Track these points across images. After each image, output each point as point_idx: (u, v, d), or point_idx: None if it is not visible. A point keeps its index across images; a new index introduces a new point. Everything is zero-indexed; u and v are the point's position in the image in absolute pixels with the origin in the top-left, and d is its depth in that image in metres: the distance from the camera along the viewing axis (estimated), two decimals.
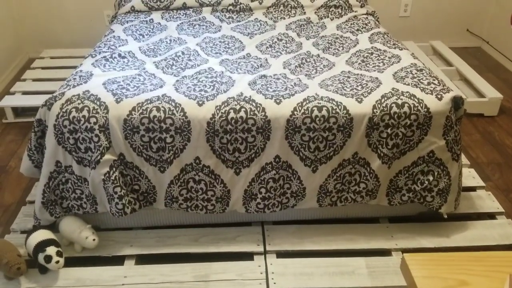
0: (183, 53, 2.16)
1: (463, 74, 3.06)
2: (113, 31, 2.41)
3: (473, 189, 2.14)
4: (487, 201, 2.06)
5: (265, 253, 1.83)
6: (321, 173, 1.78)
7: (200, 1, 2.73)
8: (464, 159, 2.35)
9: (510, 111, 2.87)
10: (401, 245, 1.85)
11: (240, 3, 2.73)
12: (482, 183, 2.17)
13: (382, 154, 1.75)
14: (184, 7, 2.73)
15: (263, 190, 1.79)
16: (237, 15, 2.69)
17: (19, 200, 2.15)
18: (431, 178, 1.79)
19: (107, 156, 1.69)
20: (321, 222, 1.97)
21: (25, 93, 2.88)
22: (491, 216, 2.01)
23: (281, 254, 1.84)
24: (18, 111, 2.81)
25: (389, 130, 1.72)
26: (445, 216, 1.85)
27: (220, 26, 2.54)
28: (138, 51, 2.18)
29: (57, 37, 3.52)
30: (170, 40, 2.32)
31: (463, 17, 3.70)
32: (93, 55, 2.09)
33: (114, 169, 1.71)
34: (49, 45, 3.53)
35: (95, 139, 1.68)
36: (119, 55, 2.10)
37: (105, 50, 2.13)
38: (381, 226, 1.95)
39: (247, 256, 1.82)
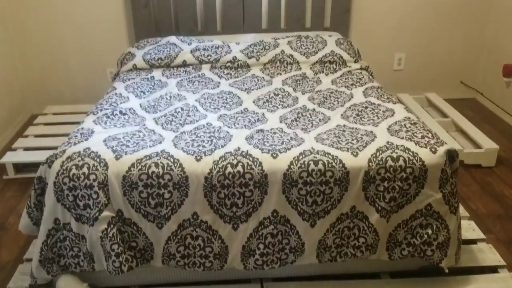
0: (182, 109, 2.22)
1: (459, 125, 3.11)
2: (115, 89, 2.48)
3: (473, 241, 2.12)
4: (489, 254, 2.03)
5: None
6: (319, 227, 1.77)
7: (199, 59, 2.83)
8: (463, 211, 2.34)
9: (507, 161, 2.89)
10: None
11: (238, 60, 2.82)
12: (482, 236, 2.15)
13: (380, 208, 1.75)
14: (184, 64, 2.81)
15: (261, 246, 1.77)
16: (235, 72, 2.77)
17: (16, 258, 2.13)
18: (430, 231, 1.78)
19: (105, 213, 1.70)
20: (322, 279, 1.94)
21: (26, 149, 2.92)
22: (493, 269, 1.98)
23: None
24: (19, 167, 2.84)
25: (385, 184, 1.73)
26: (447, 271, 1.82)
27: (219, 82, 2.61)
28: (139, 107, 2.24)
29: (60, 94, 3.61)
30: (170, 97, 2.38)
31: (456, 70, 3.81)
32: (95, 112, 2.14)
33: (112, 226, 1.71)
34: (52, 101, 3.61)
35: (94, 196, 1.69)
36: (120, 112, 2.15)
37: (107, 107, 2.19)
38: (382, 282, 1.91)
39: None
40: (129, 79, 2.62)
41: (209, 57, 2.83)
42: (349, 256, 1.82)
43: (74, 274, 1.85)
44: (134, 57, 2.86)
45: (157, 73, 2.72)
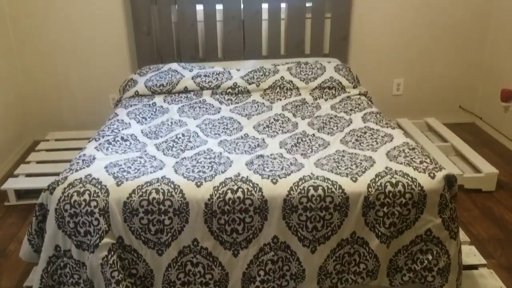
0: (183, 135, 2.24)
1: (459, 149, 3.12)
2: (117, 115, 2.51)
3: (475, 267, 2.11)
4: (490, 280, 2.02)
5: None
6: (320, 253, 1.77)
7: (200, 85, 2.87)
8: (464, 236, 2.34)
9: (507, 186, 2.89)
10: None
11: (239, 86, 2.86)
12: (483, 261, 2.14)
13: (380, 233, 1.75)
14: (186, 90, 2.85)
15: (262, 273, 1.77)
16: (235, 97, 2.80)
17: (16, 285, 2.12)
18: (430, 257, 1.78)
19: (106, 240, 1.70)
20: None
21: (28, 175, 2.94)
22: None
23: None
24: (21, 193, 2.85)
25: (385, 209, 1.73)
26: None
27: (220, 108, 2.65)
28: (140, 133, 2.26)
29: (62, 120, 3.65)
30: (171, 123, 2.41)
31: (455, 94, 3.84)
32: (97, 139, 2.16)
33: (112, 252, 1.71)
34: (55, 127, 3.64)
35: (95, 222, 1.70)
36: (122, 138, 2.18)
37: (109, 134, 2.21)
38: None
39: None
40: (131, 106, 2.66)
41: (210, 83, 2.87)
42: (350, 282, 1.81)
43: None
44: (136, 83, 2.90)
45: (158, 99, 2.75)
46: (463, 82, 3.79)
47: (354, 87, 2.88)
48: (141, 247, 1.75)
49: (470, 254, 2.18)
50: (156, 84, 2.86)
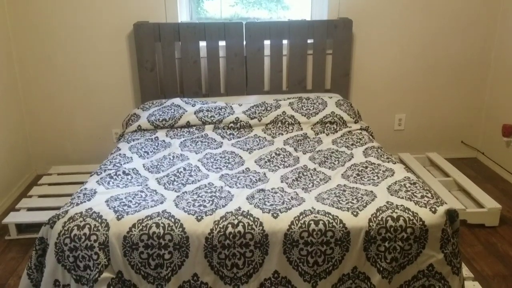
0: (184, 169, 2.25)
1: (461, 184, 3.11)
2: (119, 149, 2.53)
3: None
4: None
5: None
6: None
7: (203, 120, 2.90)
8: (468, 272, 2.30)
9: (511, 221, 2.87)
10: None
11: (241, 121, 2.89)
12: None
13: (381, 269, 1.73)
14: (188, 125, 2.89)
15: None
16: (237, 132, 2.83)
17: None
18: None
19: (105, 274, 1.69)
20: None
21: (30, 209, 2.93)
22: None
23: None
24: (22, 227, 2.84)
25: (386, 244, 1.72)
26: None
27: (221, 142, 2.67)
28: (142, 168, 2.28)
29: (65, 155, 3.67)
30: (173, 157, 2.43)
31: (456, 130, 3.86)
32: (99, 173, 2.18)
33: (111, 287, 1.69)
34: (57, 162, 3.66)
35: (94, 256, 1.70)
36: (124, 172, 2.19)
37: (110, 168, 2.23)
38: None
39: None
40: (133, 140, 2.68)
41: (212, 118, 2.91)
42: None
43: None
44: (139, 118, 2.94)
45: (161, 134, 2.78)
46: (464, 117, 3.82)
47: (355, 122, 2.91)
48: (140, 282, 1.73)
49: None
50: (158, 119, 2.89)
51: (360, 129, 2.83)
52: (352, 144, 2.56)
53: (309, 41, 3.43)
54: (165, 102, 3.09)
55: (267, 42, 3.41)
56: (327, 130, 2.81)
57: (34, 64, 3.43)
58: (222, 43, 3.38)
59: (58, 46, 3.39)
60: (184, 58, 3.38)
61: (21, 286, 1.85)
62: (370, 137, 2.72)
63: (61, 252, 1.72)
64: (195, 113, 2.94)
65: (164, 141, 2.68)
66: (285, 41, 3.43)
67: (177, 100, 3.09)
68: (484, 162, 3.78)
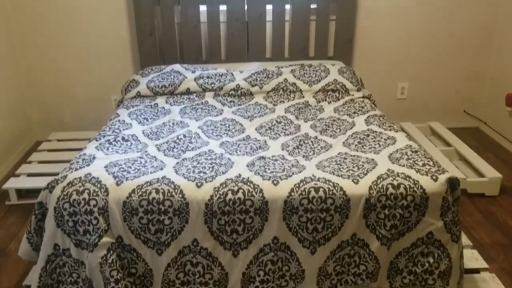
0: (184, 136, 2.24)
1: (462, 154, 3.10)
2: (119, 115, 2.51)
3: (476, 271, 2.09)
4: (492, 284, 2.00)
5: None
6: (320, 255, 1.76)
7: (203, 87, 2.86)
8: (466, 240, 2.32)
9: (511, 191, 2.86)
10: None
11: (241, 88, 2.86)
12: (485, 265, 2.12)
13: (380, 236, 1.74)
14: (188, 92, 2.85)
15: (261, 273, 1.76)
16: (238, 99, 2.80)
17: (16, 284, 2.12)
18: (431, 260, 1.76)
19: (105, 239, 1.70)
20: None
21: (30, 175, 2.94)
22: None
23: None
24: (22, 193, 2.85)
25: (386, 211, 1.72)
26: None
27: (222, 110, 2.64)
28: (142, 134, 2.26)
29: (64, 121, 3.65)
30: (173, 124, 2.40)
31: (459, 99, 3.82)
32: (97, 139, 2.16)
33: (111, 252, 1.70)
34: (57, 128, 3.64)
35: (94, 221, 1.70)
36: (123, 138, 2.17)
37: (109, 134, 2.21)
38: None
39: None
40: (132, 106, 2.66)
41: (212, 85, 2.87)
42: (349, 283, 1.80)
43: None
44: (138, 84, 2.90)
45: (160, 100, 2.75)
46: (468, 86, 3.78)
47: (357, 90, 2.87)
48: (140, 247, 1.74)
49: (472, 258, 2.16)
50: (158, 85, 2.86)
51: (363, 97, 2.79)
52: (354, 112, 2.53)
53: (312, 6, 3.35)
54: (164, 68, 3.04)
55: (269, 7, 3.33)
56: (329, 98, 2.78)
57: (32, 30, 3.37)
58: (223, 8, 3.31)
59: (56, 11, 3.32)
60: (184, 22, 3.31)
61: (21, 250, 1.86)
62: (372, 105, 2.69)
63: (60, 217, 1.72)
64: (195, 79, 2.90)
65: (163, 107, 2.65)
66: (287, 6, 3.35)
67: (176, 66, 3.04)
68: (486, 132, 3.76)
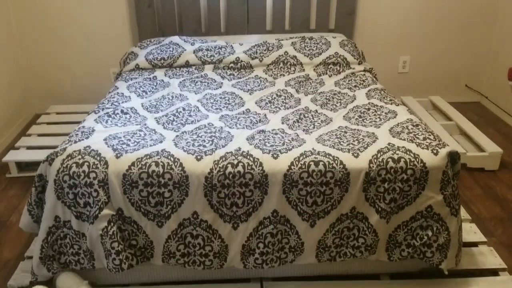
0: (184, 109, 2.22)
1: (463, 128, 3.09)
2: (117, 88, 2.48)
3: (474, 244, 2.11)
4: (489, 257, 2.02)
5: None
6: (319, 227, 1.77)
7: (202, 59, 2.83)
8: (465, 214, 2.33)
9: (511, 165, 2.87)
10: None
11: (241, 61, 2.82)
12: (484, 239, 2.14)
13: (380, 209, 1.74)
14: (187, 65, 2.82)
15: (261, 245, 1.77)
16: (238, 72, 2.77)
17: (18, 256, 2.14)
18: (430, 233, 1.77)
19: (106, 211, 1.70)
20: (321, 279, 1.93)
21: (29, 148, 2.93)
22: (493, 272, 1.96)
23: None
24: (22, 165, 2.85)
25: (386, 185, 1.72)
26: (446, 273, 1.81)
27: (221, 83, 2.62)
28: (141, 107, 2.24)
29: (63, 94, 3.63)
30: (172, 97, 2.39)
31: (461, 73, 3.79)
32: (96, 111, 2.14)
33: (112, 224, 1.71)
34: (56, 101, 3.63)
35: (94, 194, 1.70)
36: (122, 111, 2.16)
37: (108, 107, 2.19)
38: (382, 283, 1.91)
39: None
40: (131, 79, 2.63)
41: (212, 58, 2.84)
42: (348, 256, 1.81)
43: (75, 271, 1.86)
44: (137, 56, 2.87)
45: (159, 73, 2.72)
46: (470, 60, 3.74)
47: (359, 64, 2.84)
48: (140, 219, 1.75)
49: (471, 232, 2.18)
50: (157, 58, 2.82)
51: (364, 70, 2.77)
52: (355, 86, 2.50)
53: None
54: (163, 41, 3.00)
55: None
56: (330, 71, 2.75)
57: (29, 4, 3.31)
58: None
59: None
60: None
61: (22, 222, 1.87)
62: (374, 79, 2.66)
63: (60, 189, 1.72)
64: (194, 52, 2.86)
65: (162, 80, 2.63)
66: None
67: (175, 39, 3.00)
68: (488, 107, 3.74)
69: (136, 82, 2.57)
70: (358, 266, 1.92)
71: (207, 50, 2.88)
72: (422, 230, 1.78)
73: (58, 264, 1.83)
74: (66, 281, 1.80)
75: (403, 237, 1.80)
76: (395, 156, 1.73)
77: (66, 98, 3.64)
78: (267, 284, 1.91)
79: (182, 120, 2.11)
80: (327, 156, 1.74)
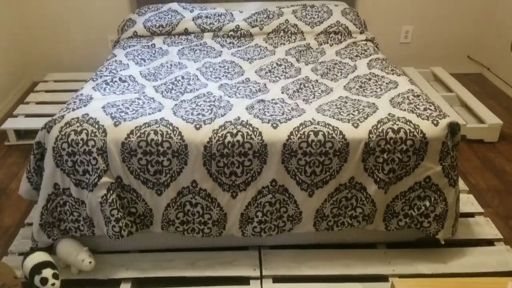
0: (182, 77, 2.20)
1: (464, 100, 3.07)
2: (115, 56, 2.45)
3: (471, 215, 2.13)
4: (486, 228, 2.04)
5: (261, 277, 1.82)
6: (317, 197, 1.78)
7: (201, 27, 2.78)
8: (463, 185, 2.34)
9: (510, 137, 2.86)
10: (399, 271, 1.83)
11: (241, 29, 2.78)
12: (480, 209, 2.15)
13: (378, 179, 1.75)
14: (186, 32, 2.78)
15: (259, 214, 1.78)
16: (237, 41, 2.73)
17: (18, 223, 2.16)
18: (427, 203, 1.78)
19: (105, 179, 1.71)
20: (319, 247, 1.96)
21: (28, 115, 2.92)
22: (489, 242, 1.99)
23: (277, 279, 1.82)
24: (21, 133, 2.85)
25: (385, 155, 1.72)
26: (442, 242, 1.84)
27: (221, 51, 2.58)
28: (139, 75, 2.22)
29: (61, 61, 3.59)
30: (171, 65, 2.36)
31: (464, 44, 3.74)
32: (94, 79, 2.12)
33: (111, 191, 1.72)
34: (53, 69, 3.59)
35: (93, 161, 1.70)
36: (120, 79, 2.14)
37: (106, 74, 2.17)
38: (379, 252, 1.93)
39: (244, 281, 1.81)
40: (129, 46, 2.59)
41: (211, 25, 2.79)
42: (346, 225, 1.83)
43: (75, 238, 1.87)
44: (135, 23, 2.82)
45: (158, 41, 2.68)
46: (473, 31, 3.68)
47: (361, 33, 2.80)
48: (140, 187, 1.76)
49: (468, 203, 2.19)
50: (155, 25, 2.78)
51: (366, 40, 2.72)
52: (356, 56, 2.47)
53: None
54: (161, 7, 2.94)
55: None
56: (331, 40, 2.71)
57: None
58: None
59: None
60: None
61: (21, 189, 1.88)
62: (375, 48, 2.63)
63: (59, 157, 1.72)
64: (193, 19, 2.81)
65: (161, 48, 2.59)
66: None
67: (174, 5, 2.94)
68: (489, 79, 3.71)
69: (134, 50, 2.53)
70: (355, 235, 1.94)
71: (206, 17, 2.83)
72: (420, 200, 1.79)
73: (58, 230, 1.84)
74: (66, 247, 1.82)
75: (400, 207, 1.81)
76: (395, 127, 1.72)
77: (64, 65, 3.60)
78: (265, 252, 1.93)
79: (181, 88, 2.09)
80: (327, 126, 1.74)
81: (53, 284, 1.67)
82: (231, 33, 2.77)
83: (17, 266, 1.83)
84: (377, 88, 2.07)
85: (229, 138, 1.70)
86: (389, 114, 1.79)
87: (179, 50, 2.55)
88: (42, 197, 1.78)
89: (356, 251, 1.93)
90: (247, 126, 1.73)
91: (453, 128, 1.77)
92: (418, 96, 1.94)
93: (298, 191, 1.76)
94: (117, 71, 2.21)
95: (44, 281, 1.67)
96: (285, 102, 1.97)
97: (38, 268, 1.70)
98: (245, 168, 1.73)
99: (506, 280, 1.07)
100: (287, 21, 2.82)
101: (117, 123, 1.74)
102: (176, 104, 1.93)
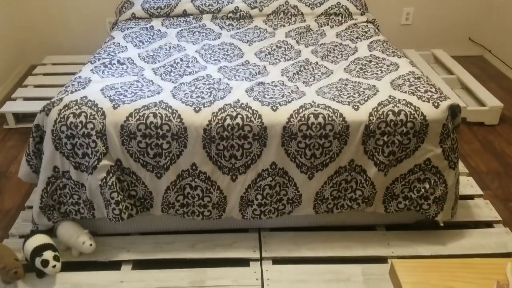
0: (181, 60, 2.18)
1: (464, 82, 3.05)
2: (113, 38, 2.43)
3: (471, 197, 2.13)
4: (485, 210, 2.05)
5: (261, 259, 1.83)
6: (317, 180, 1.78)
7: (200, 9, 2.75)
8: (463, 168, 2.34)
9: (510, 120, 2.86)
10: (398, 252, 1.84)
11: (240, 11, 2.75)
12: (480, 192, 2.16)
13: (378, 162, 1.75)
14: (185, 14, 2.75)
15: (259, 197, 1.79)
16: (237, 23, 2.70)
17: (18, 205, 2.16)
18: (427, 186, 1.78)
19: (104, 162, 1.70)
20: (318, 230, 1.96)
21: (26, 99, 2.91)
22: (488, 224, 2.00)
23: (277, 261, 1.83)
24: (19, 117, 2.84)
25: (385, 138, 1.71)
26: (442, 224, 1.84)
27: (220, 33, 2.56)
28: (137, 57, 2.20)
29: (59, 44, 3.56)
30: (170, 47, 2.34)
31: (465, 26, 3.70)
32: (93, 62, 2.10)
33: (111, 174, 1.72)
34: (51, 51, 3.56)
35: (92, 144, 1.69)
36: (118, 61, 2.12)
37: (105, 57, 2.15)
38: (378, 234, 1.94)
39: (243, 263, 1.82)
40: (127, 29, 2.57)
41: (210, 7, 2.76)
42: (345, 208, 1.84)
43: (75, 221, 1.88)
44: (133, 5, 2.78)
45: (156, 23, 2.65)
46: (474, 13, 3.64)
47: (361, 14, 2.76)
48: (139, 170, 1.75)
49: (467, 185, 2.20)
50: (153, 7, 2.74)
51: (366, 21, 2.70)
52: (357, 38, 2.45)
53: None
54: None
55: None
56: (331, 22, 2.68)
57: None
58: None
59: None
60: None
61: (21, 172, 1.88)
62: (376, 30, 2.60)
63: (58, 140, 1.71)
64: (192, 1, 2.78)
65: (159, 30, 2.56)
66: None
67: None
68: (491, 61, 3.68)
69: (133, 32, 2.50)
70: (354, 217, 1.95)
71: None
72: (420, 182, 1.79)
73: (58, 213, 1.85)
74: (67, 230, 1.82)
75: (400, 189, 1.82)
76: (396, 109, 1.71)
77: (61, 48, 3.57)
78: (265, 234, 1.94)
79: (180, 71, 2.08)
80: (327, 108, 1.73)
81: (54, 266, 1.68)
82: (230, 14, 2.74)
83: (18, 249, 1.84)
84: (377, 70, 2.05)
85: (228, 121, 1.69)
86: (389, 96, 1.78)
87: (177, 32, 2.53)
88: (41, 180, 1.78)
89: (355, 233, 1.94)
90: (247, 109, 1.73)
91: (454, 110, 1.76)
92: (419, 78, 1.93)
93: (298, 173, 1.76)
94: (116, 54, 2.19)
95: (45, 263, 1.67)
96: (285, 85, 1.96)
97: (39, 250, 1.70)
98: (245, 151, 1.73)
99: (505, 261, 1.08)
100: (287, 3, 2.79)
101: (116, 105, 1.73)
102: (175, 87, 1.92)
